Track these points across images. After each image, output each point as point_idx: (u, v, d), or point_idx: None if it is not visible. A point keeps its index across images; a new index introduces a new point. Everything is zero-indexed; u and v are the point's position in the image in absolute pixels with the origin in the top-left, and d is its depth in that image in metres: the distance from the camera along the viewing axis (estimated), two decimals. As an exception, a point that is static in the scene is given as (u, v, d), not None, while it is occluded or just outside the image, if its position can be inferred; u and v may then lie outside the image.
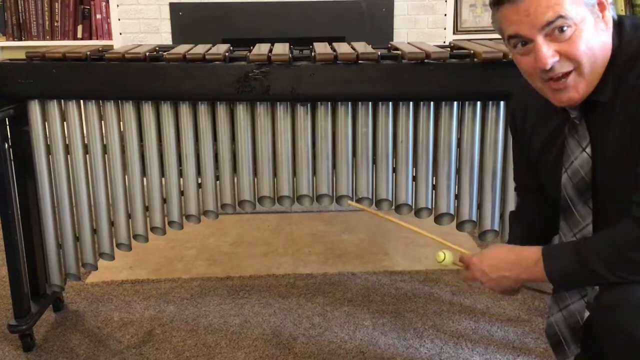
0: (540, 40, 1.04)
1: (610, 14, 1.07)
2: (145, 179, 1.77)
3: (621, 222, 1.07)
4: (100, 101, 1.71)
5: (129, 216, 1.81)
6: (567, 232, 1.23)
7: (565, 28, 1.03)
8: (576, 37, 1.03)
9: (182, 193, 1.79)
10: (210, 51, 1.68)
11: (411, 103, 1.69)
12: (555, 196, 1.24)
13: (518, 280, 1.17)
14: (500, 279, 1.19)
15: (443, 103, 1.69)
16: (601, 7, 1.06)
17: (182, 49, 1.72)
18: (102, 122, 1.73)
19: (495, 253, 1.22)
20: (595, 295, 1.17)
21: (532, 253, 1.15)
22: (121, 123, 1.72)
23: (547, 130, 1.25)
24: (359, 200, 1.77)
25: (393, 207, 1.77)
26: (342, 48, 1.70)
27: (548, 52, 1.04)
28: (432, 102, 1.69)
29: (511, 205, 1.74)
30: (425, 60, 1.61)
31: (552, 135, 1.23)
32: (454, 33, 3.00)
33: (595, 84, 1.08)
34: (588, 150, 1.15)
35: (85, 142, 1.74)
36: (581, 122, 1.15)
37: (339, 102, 1.68)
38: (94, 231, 1.83)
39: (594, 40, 1.05)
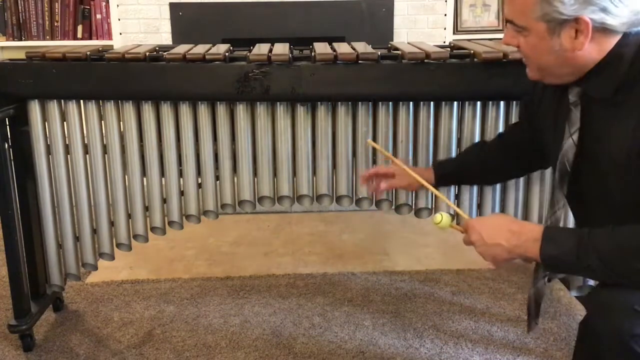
0: (508, 26, 1.19)
1: (587, 41, 1.08)
2: (145, 179, 1.77)
3: (629, 226, 1.06)
4: (100, 101, 1.71)
5: (129, 216, 1.81)
6: (548, 212, 1.30)
7: (520, 30, 1.15)
8: (529, 42, 1.15)
9: (182, 193, 1.79)
10: (210, 51, 1.68)
11: (411, 103, 1.69)
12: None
13: (511, 252, 1.17)
14: (495, 246, 1.18)
15: (443, 103, 1.69)
16: (578, 32, 1.08)
17: (182, 49, 1.72)
18: (102, 122, 1.73)
19: (497, 220, 1.21)
20: (588, 293, 1.17)
21: (534, 230, 1.15)
22: (121, 123, 1.72)
23: (555, 115, 1.27)
24: (359, 201, 1.77)
25: (393, 207, 1.77)
26: (342, 48, 1.70)
27: (506, 36, 1.20)
28: (432, 102, 1.69)
29: (511, 205, 1.74)
30: (425, 60, 1.61)
31: (558, 120, 1.25)
32: (454, 33, 3.00)
33: (562, 81, 1.17)
34: (575, 137, 1.18)
35: (85, 142, 1.74)
36: (576, 108, 1.18)
37: (339, 102, 1.68)
38: (94, 231, 1.83)
39: (547, 51, 1.12)
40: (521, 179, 1.72)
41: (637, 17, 1.08)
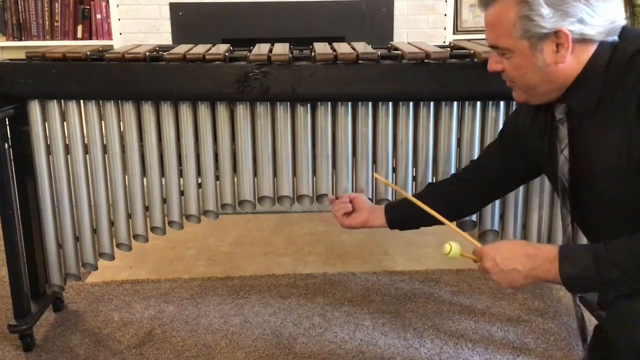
0: (492, 51, 1.22)
1: (568, 53, 1.10)
2: (145, 179, 1.77)
3: None
4: (100, 101, 1.70)
5: (129, 216, 1.81)
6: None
7: (503, 53, 1.17)
8: (513, 63, 1.17)
9: (182, 193, 1.79)
10: (210, 51, 1.68)
11: (411, 103, 1.69)
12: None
13: (529, 276, 1.15)
14: (512, 272, 1.16)
15: (443, 103, 1.69)
16: (559, 45, 1.10)
17: (182, 49, 1.72)
18: (102, 122, 1.73)
19: (511, 245, 1.20)
20: (604, 299, 1.17)
21: (549, 251, 1.13)
22: (121, 123, 1.72)
23: (537, 131, 1.29)
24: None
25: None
26: (342, 48, 1.70)
27: (491, 62, 1.22)
28: (432, 102, 1.69)
29: (511, 206, 1.74)
30: (425, 60, 1.61)
31: (541, 136, 1.28)
32: (454, 33, 3.00)
33: (547, 98, 1.19)
34: (565, 152, 1.20)
35: (85, 142, 1.74)
36: (563, 125, 1.20)
37: (339, 102, 1.68)
38: (94, 231, 1.83)
39: (531, 68, 1.14)
40: (520, 192, 1.72)
41: (612, 25, 1.09)
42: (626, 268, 1.04)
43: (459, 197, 1.51)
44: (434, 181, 1.72)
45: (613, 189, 1.13)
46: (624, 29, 1.12)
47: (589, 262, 1.07)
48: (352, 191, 1.76)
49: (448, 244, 1.29)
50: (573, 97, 1.15)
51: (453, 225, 1.38)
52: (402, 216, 1.55)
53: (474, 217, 1.76)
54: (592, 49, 1.11)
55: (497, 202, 1.74)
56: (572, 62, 1.11)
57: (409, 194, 1.53)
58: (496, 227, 1.76)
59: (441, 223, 1.38)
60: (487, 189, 1.51)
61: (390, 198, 1.75)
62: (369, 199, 1.76)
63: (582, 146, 1.17)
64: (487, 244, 1.25)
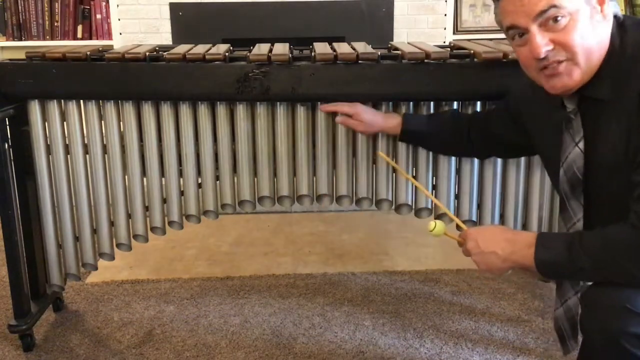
0: (534, 29, 1.08)
1: (610, 9, 1.08)
2: (145, 179, 1.77)
3: (618, 225, 1.07)
4: (100, 101, 1.70)
5: (129, 216, 1.81)
6: (562, 227, 1.26)
7: (559, 18, 1.05)
8: (570, 27, 1.06)
9: (182, 193, 1.79)
10: (210, 51, 1.68)
11: (411, 103, 1.69)
12: (559, 193, 1.27)
13: (507, 260, 1.17)
14: (490, 254, 1.19)
15: (443, 103, 1.69)
16: (600, 0, 1.07)
17: (182, 49, 1.72)
18: (102, 122, 1.73)
19: (493, 229, 1.24)
20: (581, 294, 1.17)
21: (528, 237, 1.16)
22: (121, 123, 1.72)
23: (548, 128, 1.26)
24: (359, 201, 1.77)
25: (393, 207, 1.77)
26: (342, 48, 1.70)
27: (542, 41, 1.07)
28: (432, 102, 1.69)
29: (511, 206, 1.74)
30: (425, 60, 1.61)
31: (553, 131, 1.25)
32: (454, 33, 3.00)
33: (590, 76, 1.10)
34: (581, 145, 1.17)
35: (85, 142, 1.74)
36: (576, 116, 1.17)
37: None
38: (94, 231, 1.83)
39: (589, 31, 1.07)
40: (521, 184, 1.72)
41: (616, 9, 1.10)
42: (597, 257, 1.06)
43: (463, 137, 1.56)
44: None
45: (607, 183, 1.13)
46: (625, 18, 1.11)
47: (563, 249, 1.09)
48: (353, 192, 1.76)
49: (433, 222, 1.31)
50: (594, 83, 1.11)
51: (443, 205, 1.39)
52: (418, 134, 1.61)
53: (474, 217, 1.76)
54: (609, 29, 1.09)
55: (497, 201, 1.74)
56: (605, 36, 1.08)
57: (410, 176, 1.59)
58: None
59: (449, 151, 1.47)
60: (484, 144, 1.55)
61: (390, 198, 1.75)
62: (369, 199, 1.76)
63: (596, 135, 1.15)
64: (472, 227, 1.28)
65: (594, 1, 1.07)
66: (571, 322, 1.29)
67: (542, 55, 1.08)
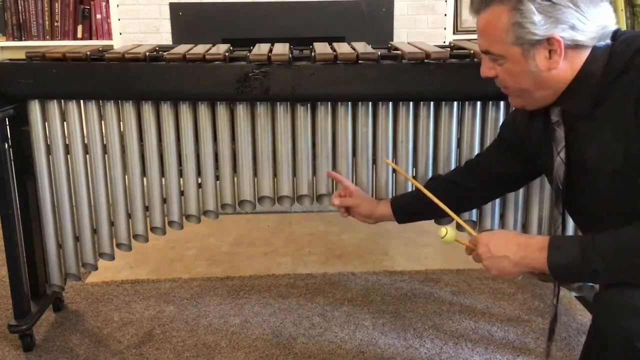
0: (483, 56, 1.22)
1: (561, 59, 1.11)
2: (145, 179, 1.77)
3: (632, 226, 1.07)
4: (100, 101, 1.70)
5: (129, 216, 1.81)
6: (548, 231, 1.31)
7: (497, 59, 1.18)
8: (506, 69, 1.18)
9: (182, 193, 1.79)
10: (210, 51, 1.68)
11: (411, 103, 1.69)
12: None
13: (518, 264, 1.17)
14: (502, 259, 1.19)
15: (443, 103, 1.69)
16: (552, 52, 1.11)
17: (182, 49, 1.72)
18: (102, 122, 1.73)
19: (505, 234, 1.23)
20: (595, 294, 1.17)
21: (539, 240, 1.16)
22: (121, 123, 1.72)
23: (541, 142, 1.29)
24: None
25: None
26: (342, 48, 1.70)
27: (483, 68, 1.23)
28: (432, 102, 1.69)
29: (511, 206, 1.74)
30: (425, 60, 1.61)
31: (545, 144, 1.28)
32: (454, 33, 3.00)
33: (553, 99, 1.18)
34: (562, 155, 1.21)
35: (85, 142, 1.74)
36: (559, 127, 1.21)
37: (339, 102, 1.68)
38: (94, 231, 1.83)
39: (524, 74, 1.15)
40: (520, 192, 1.72)
41: (604, 30, 1.11)
42: (611, 260, 1.06)
43: (458, 191, 1.53)
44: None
45: (609, 189, 1.14)
46: (616, 32, 1.13)
47: (576, 252, 1.09)
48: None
49: (444, 228, 1.31)
50: (567, 101, 1.17)
51: (457, 217, 1.38)
52: (407, 207, 1.61)
53: (474, 217, 1.76)
54: (585, 54, 1.12)
55: (497, 202, 1.74)
56: (566, 68, 1.13)
57: (418, 182, 1.56)
58: (496, 227, 1.76)
59: (444, 215, 1.40)
60: (486, 189, 1.53)
61: (390, 195, 1.75)
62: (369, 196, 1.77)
63: (578, 147, 1.18)
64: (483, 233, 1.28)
65: (541, 48, 1.11)
66: (551, 326, 1.34)
67: (483, 76, 1.23)
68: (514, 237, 1.20)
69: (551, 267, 1.13)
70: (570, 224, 1.61)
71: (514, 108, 1.30)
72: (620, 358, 1.08)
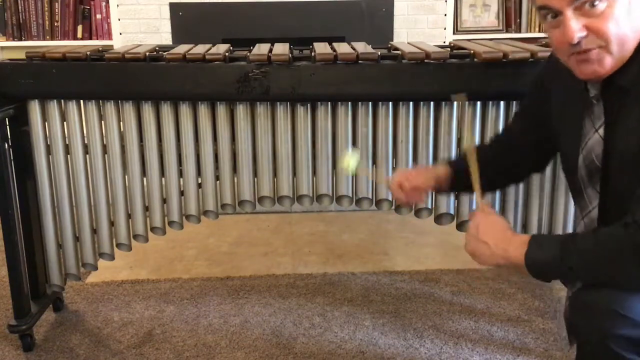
0: (569, 13, 1.03)
1: None
2: (145, 179, 1.77)
3: (613, 225, 1.05)
4: (100, 101, 1.71)
5: (129, 216, 1.81)
6: (578, 215, 1.23)
7: (596, 3, 1.01)
8: (607, 14, 1.01)
9: (182, 193, 1.79)
10: (210, 51, 1.68)
11: (411, 103, 1.69)
12: (572, 181, 1.24)
13: (494, 255, 1.15)
14: (482, 244, 1.16)
15: (443, 103, 1.69)
16: None
17: (182, 49, 1.72)
18: (102, 122, 1.73)
19: (497, 223, 1.19)
20: (571, 295, 1.17)
21: (523, 237, 1.14)
22: (121, 123, 1.72)
23: (570, 111, 1.23)
24: (359, 201, 1.77)
25: (393, 207, 1.77)
26: (342, 48, 1.70)
27: (576, 27, 1.03)
28: (432, 102, 1.69)
29: (511, 205, 1.74)
30: (425, 60, 1.61)
31: (574, 116, 1.21)
32: (454, 33, 3.00)
33: (621, 64, 1.07)
34: (601, 131, 1.13)
35: (85, 142, 1.74)
36: (599, 102, 1.14)
37: (339, 102, 1.68)
38: (94, 231, 1.83)
39: (625, 19, 1.02)
40: (521, 184, 1.72)
41: None
42: (587, 258, 1.05)
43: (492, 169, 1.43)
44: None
45: (632, 171, 1.09)
46: None
47: (555, 249, 1.08)
48: (353, 193, 1.76)
49: (346, 159, 1.24)
50: (625, 70, 1.07)
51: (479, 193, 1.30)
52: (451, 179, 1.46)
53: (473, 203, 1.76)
54: None
55: (497, 202, 1.74)
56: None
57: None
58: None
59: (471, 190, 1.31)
60: (512, 167, 1.44)
61: (389, 198, 1.75)
62: (369, 199, 1.76)
63: (617, 124, 1.11)
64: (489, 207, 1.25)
65: None
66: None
67: (575, 42, 1.03)
68: (503, 231, 1.17)
69: (528, 263, 1.11)
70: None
71: (585, 79, 1.13)
72: (593, 358, 1.08)
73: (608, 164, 1.15)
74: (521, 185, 1.73)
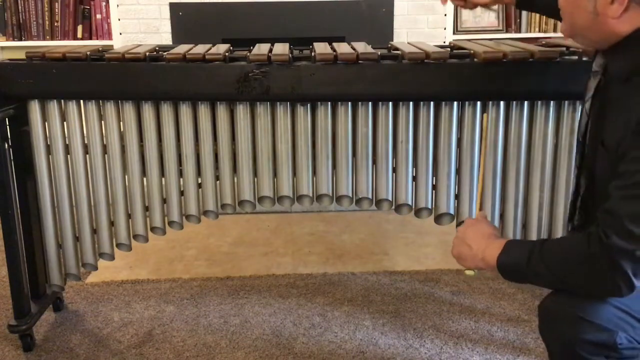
0: None
1: (621, 9, 1.03)
2: (145, 179, 1.77)
3: (579, 233, 1.08)
4: (100, 101, 1.71)
5: (129, 216, 1.81)
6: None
7: None
8: None
9: (182, 193, 1.79)
10: (210, 51, 1.68)
11: (411, 103, 1.69)
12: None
13: (475, 258, 1.20)
14: (464, 246, 1.23)
15: (443, 103, 1.69)
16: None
17: (182, 49, 1.72)
18: (102, 122, 1.73)
19: (484, 228, 1.25)
20: (540, 302, 1.19)
21: (502, 241, 1.17)
22: (121, 123, 1.72)
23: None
24: (359, 201, 1.77)
25: (393, 207, 1.77)
26: (342, 48, 1.70)
27: None
28: (432, 102, 1.69)
29: (511, 206, 1.74)
30: (425, 60, 1.61)
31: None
32: (454, 33, 3.00)
33: (590, 46, 1.17)
34: (587, 106, 1.18)
35: (85, 142, 1.74)
36: (595, 77, 1.17)
37: (339, 102, 1.68)
38: (94, 231, 1.83)
39: (580, 9, 1.08)
40: (521, 184, 1.72)
41: None
42: (549, 264, 1.07)
43: None
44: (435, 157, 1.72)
45: (608, 163, 1.09)
46: None
47: (525, 252, 1.11)
48: (353, 193, 1.76)
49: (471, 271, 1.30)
50: (612, 57, 1.11)
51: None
52: None
53: (474, 217, 1.76)
54: None
55: (497, 201, 1.74)
56: (623, 22, 1.05)
57: None
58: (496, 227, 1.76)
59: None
60: None
61: (390, 198, 1.75)
62: (369, 199, 1.76)
63: (603, 108, 1.13)
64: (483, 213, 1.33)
65: None
66: None
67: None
68: (486, 236, 1.22)
69: (498, 265, 1.15)
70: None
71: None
72: None
73: (592, 150, 1.19)
74: (521, 185, 1.73)
